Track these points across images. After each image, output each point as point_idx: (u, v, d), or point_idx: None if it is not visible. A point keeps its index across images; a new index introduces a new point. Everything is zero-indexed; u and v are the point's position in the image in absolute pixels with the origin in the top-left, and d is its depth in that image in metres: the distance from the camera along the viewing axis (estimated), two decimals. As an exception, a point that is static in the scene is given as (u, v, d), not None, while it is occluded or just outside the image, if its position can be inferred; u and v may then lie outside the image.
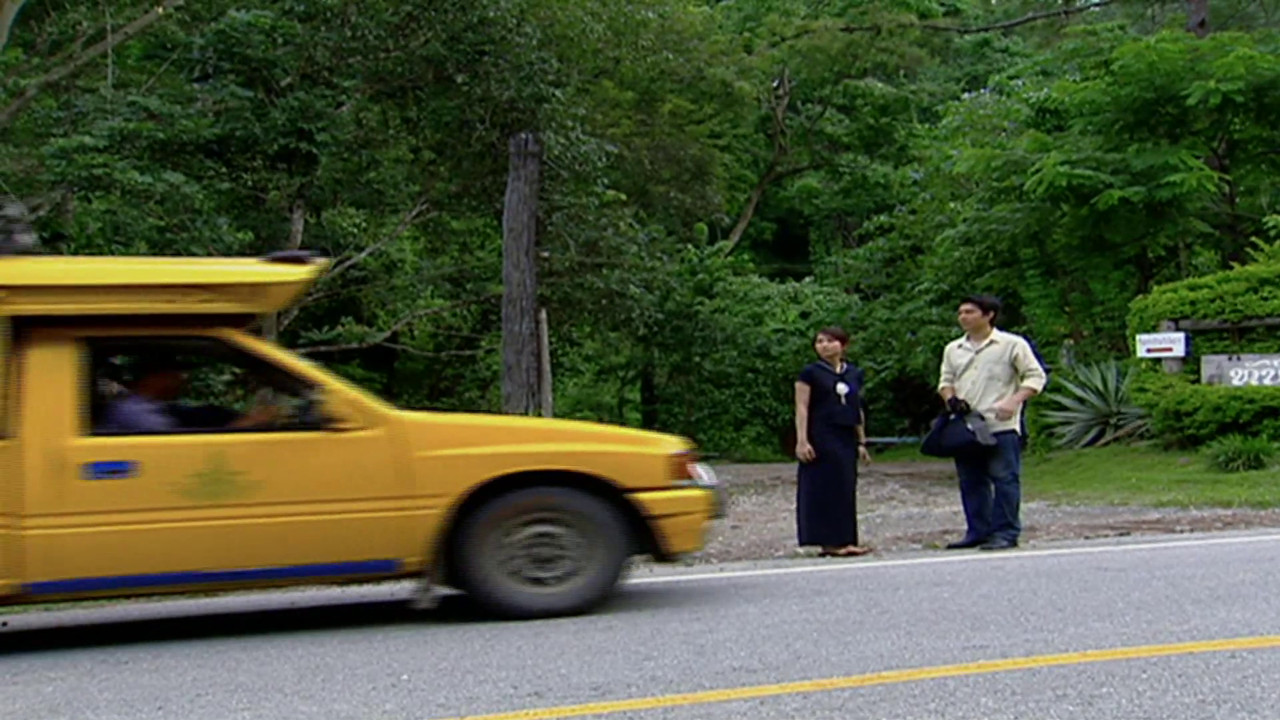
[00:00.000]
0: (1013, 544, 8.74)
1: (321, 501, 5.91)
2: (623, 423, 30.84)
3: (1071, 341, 20.56)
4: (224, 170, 19.19)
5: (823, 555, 8.93)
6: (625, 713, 4.01)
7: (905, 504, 14.33)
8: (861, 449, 9.35)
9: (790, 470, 14.21)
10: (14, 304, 5.75)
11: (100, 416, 5.99)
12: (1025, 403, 9.03)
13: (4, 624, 7.08)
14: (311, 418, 5.98)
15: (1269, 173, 20.44)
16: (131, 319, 6.01)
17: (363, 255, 20.98)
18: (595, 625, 5.77)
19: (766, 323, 31.36)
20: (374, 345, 23.08)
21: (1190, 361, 15.60)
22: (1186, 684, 4.02)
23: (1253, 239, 18.29)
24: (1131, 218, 18.11)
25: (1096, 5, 33.47)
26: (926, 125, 31.73)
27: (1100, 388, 17.74)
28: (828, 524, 9.06)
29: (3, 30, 17.67)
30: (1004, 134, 22.24)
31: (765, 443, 32.17)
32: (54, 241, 16.86)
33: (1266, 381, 14.71)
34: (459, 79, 19.68)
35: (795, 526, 9.50)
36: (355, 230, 21.82)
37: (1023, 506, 9.37)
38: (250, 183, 18.99)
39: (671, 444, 6.56)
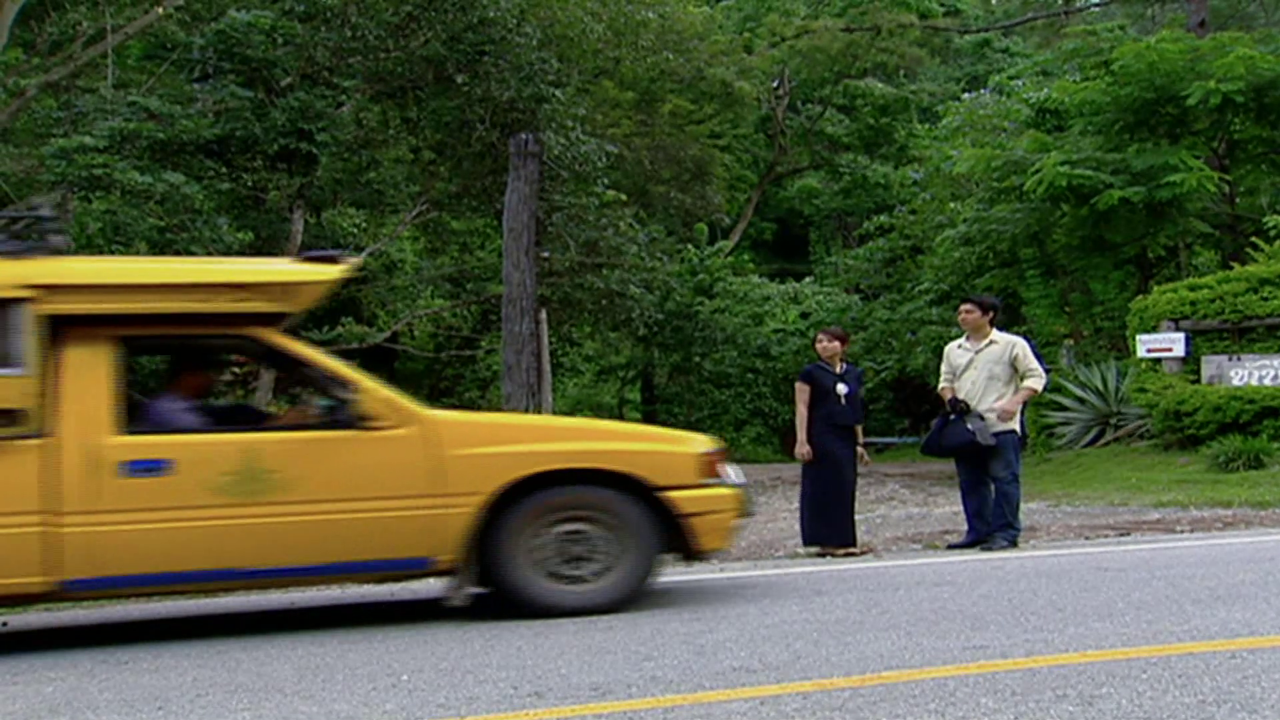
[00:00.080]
0: (1013, 544, 8.73)
1: (355, 500, 5.93)
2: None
3: (1071, 341, 20.56)
4: (224, 170, 19.20)
5: (821, 555, 8.93)
6: (625, 713, 4.01)
7: (905, 504, 14.33)
8: (861, 449, 9.36)
9: (790, 470, 14.23)
10: (52, 303, 5.78)
11: (136, 415, 6.03)
12: (1025, 403, 9.03)
13: (4, 624, 7.08)
14: (345, 416, 6.00)
15: (1269, 173, 20.44)
16: (167, 318, 6.05)
17: (363, 255, 20.98)
18: (595, 625, 5.77)
19: (766, 323, 31.35)
20: (374, 345, 23.06)
21: (1190, 362, 15.60)
22: (1186, 684, 4.02)
23: (1253, 239, 18.29)
24: (1131, 218, 18.11)
25: (1096, 5, 33.47)
26: (926, 125, 31.75)
27: (1100, 388, 17.74)
28: (827, 525, 9.07)
29: (3, 30, 17.67)
30: (1004, 134, 22.23)
31: (765, 443, 32.16)
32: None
33: (1266, 382, 14.71)
34: (459, 79, 19.69)
35: (796, 526, 9.51)
36: (355, 230, 21.84)
37: (1023, 507, 9.37)
38: (250, 183, 19.00)
39: (702, 442, 6.59)
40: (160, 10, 18.85)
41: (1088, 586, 6.35)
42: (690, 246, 31.56)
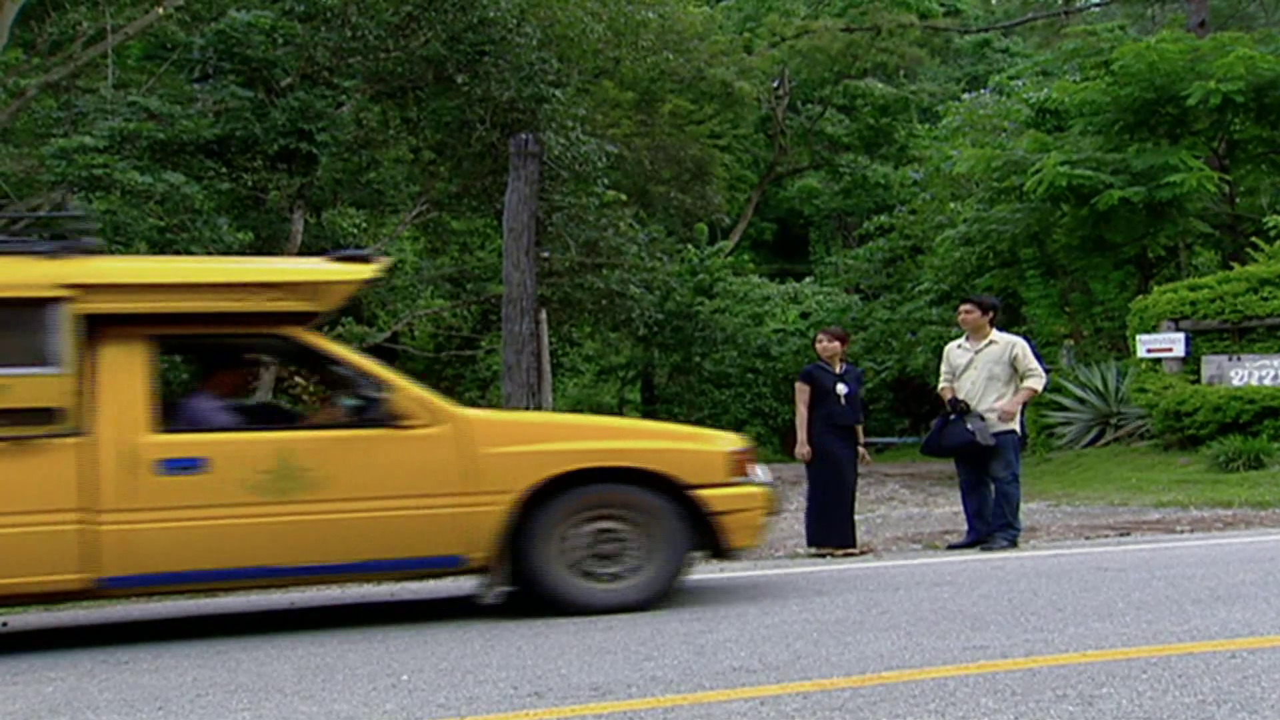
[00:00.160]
0: (1013, 544, 8.74)
1: (388, 498, 5.96)
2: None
3: (1071, 342, 20.57)
4: (224, 170, 19.19)
5: (821, 556, 8.93)
6: (625, 713, 4.01)
7: (905, 504, 14.34)
8: (861, 449, 9.36)
9: (790, 470, 14.23)
10: (88, 303, 5.80)
11: (171, 414, 6.06)
12: (1025, 403, 9.03)
13: (4, 624, 7.08)
14: (378, 415, 6.03)
15: (1269, 173, 20.44)
16: (201, 317, 6.09)
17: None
18: (595, 625, 5.77)
19: (766, 323, 31.35)
20: (374, 345, 23.05)
21: (1190, 362, 15.61)
22: (1187, 684, 4.02)
23: (1253, 239, 18.29)
24: (1131, 218, 18.12)
25: (1096, 5, 33.47)
26: (926, 125, 31.74)
27: (1100, 388, 17.74)
28: (826, 525, 9.08)
29: (3, 30, 17.67)
30: (1004, 134, 22.24)
31: (766, 443, 32.09)
32: (54, 242, 16.84)
33: (1266, 382, 14.71)
34: (459, 79, 19.69)
35: (796, 527, 9.51)
36: (355, 230, 21.83)
37: (1023, 507, 9.37)
38: (250, 183, 18.99)
39: (731, 441, 6.61)
40: (160, 10, 18.85)
41: (1088, 586, 6.35)
42: (690, 246, 31.57)
